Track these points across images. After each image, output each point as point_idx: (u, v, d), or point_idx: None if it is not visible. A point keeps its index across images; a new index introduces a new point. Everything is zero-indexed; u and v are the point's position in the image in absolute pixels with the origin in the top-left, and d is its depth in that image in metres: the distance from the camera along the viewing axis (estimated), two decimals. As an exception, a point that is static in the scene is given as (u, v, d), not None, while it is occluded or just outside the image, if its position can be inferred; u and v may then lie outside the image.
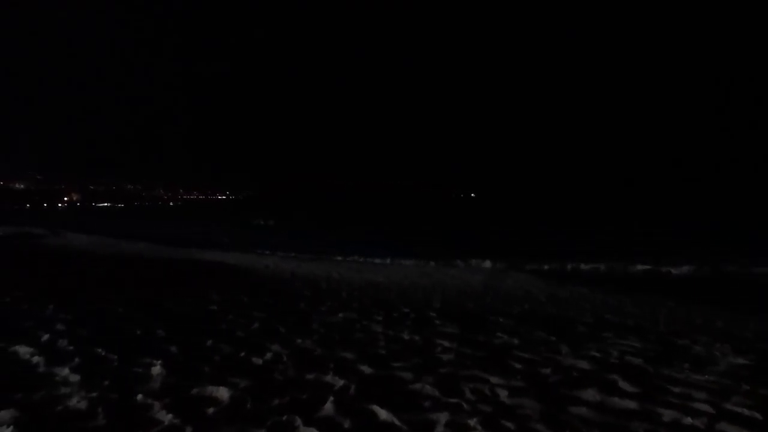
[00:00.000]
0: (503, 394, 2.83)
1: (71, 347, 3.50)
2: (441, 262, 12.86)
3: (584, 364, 3.49)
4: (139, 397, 2.61)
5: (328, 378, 3.03)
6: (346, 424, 2.36)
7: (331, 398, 2.65)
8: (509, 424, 2.39)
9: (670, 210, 54.00)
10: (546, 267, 12.12)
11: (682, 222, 34.39)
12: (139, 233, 23.10)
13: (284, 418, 2.41)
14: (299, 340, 3.95)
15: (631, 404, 2.72)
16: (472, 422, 2.40)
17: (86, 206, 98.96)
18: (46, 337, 3.76)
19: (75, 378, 2.86)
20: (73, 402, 2.52)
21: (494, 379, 3.08)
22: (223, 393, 2.71)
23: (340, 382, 2.95)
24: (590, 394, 2.85)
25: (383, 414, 2.48)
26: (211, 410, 2.49)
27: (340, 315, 5.16)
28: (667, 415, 2.57)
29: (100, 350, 3.44)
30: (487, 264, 12.57)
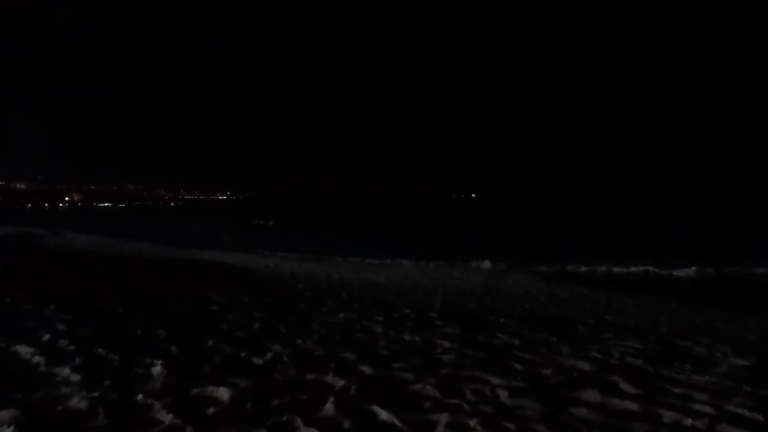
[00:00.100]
0: (504, 394, 2.82)
1: (72, 347, 3.50)
2: (441, 263, 12.85)
3: (585, 365, 3.49)
4: (140, 397, 2.61)
5: (329, 378, 3.03)
6: (347, 425, 2.35)
7: (332, 398, 2.65)
8: (510, 425, 2.39)
9: (670, 210, 53.95)
10: (546, 267, 12.11)
11: (682, 222, 34.37)
12: (140, 233, 23.12)
13: (284, 418, 2.41)
14: (300, 341, 3.95)
15: (632, 405, 2.71)
16: (473, 423, 2.39)
17: (87, 206, 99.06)
18: (46, 337, 3.76)
19: (75, 378, 2.86)
20: (74, 402, 2.52)
21: (495, 380, 3.08)
22: (223, 393, 2.71)
23: (341, 383, 2.94)
24: (591, 395, 2.85)
25: (384, 414, 2.48)
26: (211, 410, 2.49)
27: (341, 315, 5.16)
28: (668, 416, 2.57)
29: (100, 350, 3.44)
30: (488, 264, 12.56)
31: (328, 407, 2.55)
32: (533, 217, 45.85)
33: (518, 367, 3.40)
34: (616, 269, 11.79)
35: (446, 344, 4.00)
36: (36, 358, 3.21)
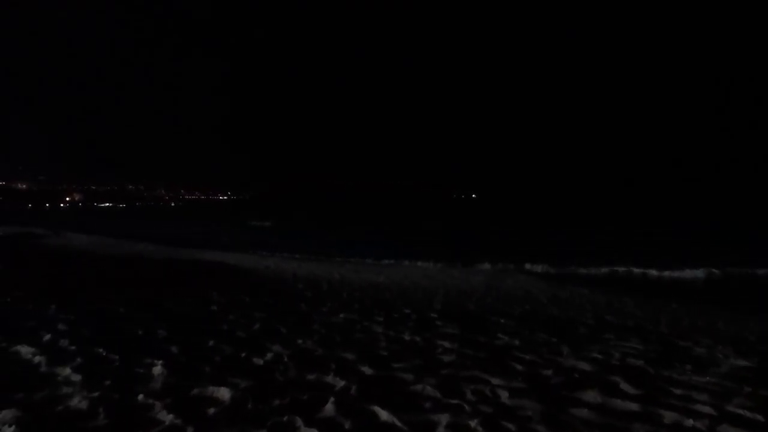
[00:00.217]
0: (504, 395, 2.82)
1: (72, 347, 3.51)
2: (442, 263, 12.86)
3: (585, 366, 3.48)
4: (140, 397, 2.61)
5: (329, 378, 3.03)
6: (347, 425, 2.36)
7: (332, 399, 2.65)
8: (510, 426, 2.39)
9: (670, 210, 53.93)
10: (547, 268, 12.11)
11: (682, 222, 34.36)
12: (140, 233, 23.15)
13: (285, 418, 2.41)
14: (300, 341, 3.95)
15: (633, 406, 2.71)
16: (473, 423, 2.39)
17: (88, 206, 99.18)
18: (47, 337, 3.76)
19: (76, 378, 2.87)
20: (75, 402, 2.52)
21: (495, 380, 3.08)
22: (224, 393, 2.71)
23: (341, 383, 2.94)
24: (591, 396, 2.84)
25: (384, 415, 2.48)
26: (212, 410, 2.49)
27: (341, 316, 5.16)
28: (669, 416, 2.57)
29: (101, 350, 3.44)
30: (488, 265, 12.56)
31: (329, 407, 2.55)
32: (533, 218, 45.85)
33: (519, 367, 3.40)
34: (617, 269, 11.79)
35: (447, 344, 4.00)
36: (37, 358, 3.21)
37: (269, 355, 3.49)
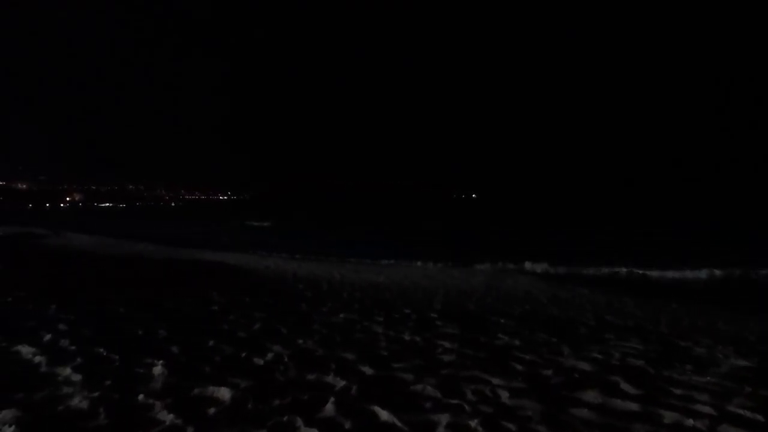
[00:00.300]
0: (504, 395, 2.82)
1: (73, 347, 3.50)
2: (442, 263, 12.87)
3: (586, 366, 3.48)
4: (141, 397, 2.61)
5: (329, 379, 3.03)
6: (347, 425, 2.35)
7: (332, 399, 2.65)
8: (510, 426, 2.39)
9: (670, 210, 53.93)
10: (547, 268, 12.12)
11: (682, 222, 34.37)
12: (141, 233, 23.17)
13: (285, 418, 2.41)
14: (300, 341, 3.95)
15: (633, 406, 2.71)
16: (473, 423, 2.39)
17: (88, 206, 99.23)
18: (47, 336, 3.76)
19: (77, 378, 2.86)
20: (75, 402, 2.52)
21: (495, 380, 3.08)
22: (224, 393, 2.71)
23: (341, 383, 2.94)
24: (592, 396, 2.84)
25: (384, 415, 2.48)
26: (212, 410, 2.49)
27: (341, 316, 5.16)
28: (669, 416, 2.57)
29: (101, 350, 3.44)
30: (488, 265, 12.57)
31: (329, 407, 2.55)
32: (533, 218, 45.86)
33: (519, 367, 3.40)
34: (617, 269, 11.79)
35: (447, 345, 4.00)
36: (37, 358, 3.21)
37: (269, 355, 3.49)
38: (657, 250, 17.37)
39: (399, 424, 2.38)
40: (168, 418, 2.37)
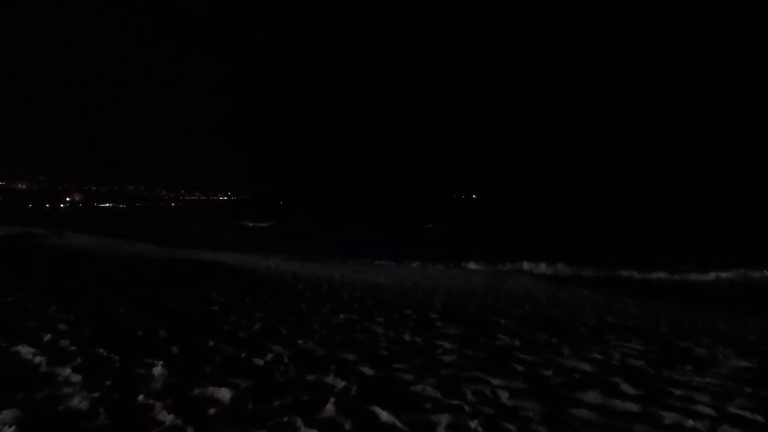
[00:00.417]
0: (504, 395, 2.82)
1: (73, 347, 3.50)
2: (442, 263, 12.86)
3: (586, 366, 3.48)
4: (141, 397, 2.61)
5: (330, 379, 3.03)
6: (348, 426, 2.35)
7: (333, 399, 2.65)
8: (510, 426, 2.39)
9: (671, 210, 53.95)
10: (547, 268, 12.12)
11: (682, 223, 34.37)
12: (141, 233, 23.16)
13: (285, 419, 2.41)
14: (300, 341, 3.95)
15: (633, 406, 2.71)
16: (474, 424, 2.39)
17: (88, 206, 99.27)
18: (47, 337, 3.76)
19: (77, 378, 2.86)
20: (75, 402, 2.52)
21: (496, 381, 3.08)
22: (224, 393, 2.71)
23: (342, 383, 2.94)
24: (592, 396, 2.84)
25: (384, 415, 2.48)
26: (212, 411, 2.49)
27: (342, 316, 5.16)
28: (669, 417, 2.57)
29: (101, 350, 3.44)
30: (488, 265, 12.57)
31: (329, 408, 2.55)
32: (533, 218, 45.87)
33: (519, 368, 3.40)
34: (617, 270, 11.79)
35: (447, 345, 3.99)
36: (37, 358, 3.21)
37: (270, 356, 3.49)
38: (657, 250, 17.37)
39: (399, 424, 2.38)
40: (168, 418, 2.37)
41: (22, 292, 5.73)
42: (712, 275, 11.03)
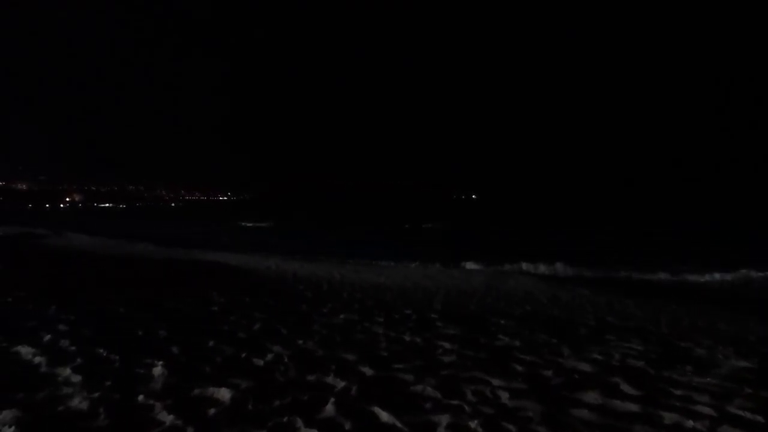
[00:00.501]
0: (505, 396, 2.82)
1: (73, 347, 3.50)
2: (442, 263, 12.86)
3: (586, 367, 3.48)
4: (141, 397, 2.61)
5: (330, 379, 3.03)
6: (348, 426, 2.35)
7: (333, 399, 2.65)
8: (510, 426, 2.39)
9: (671, 210, 53.95)
10: (547, 268, 12.11)
11: (682, 223, 34.37)
12: (141, 233, 23.16)
13: (285, 419, 2.41)
14: (300, 341, 3.95)
15: (633, 407, 2.71)
16: (474, 424, 2.39)
17: (88, 207, 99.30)
18: (47, 337, 3.76)
19: (77, 378, 2.86)
20: (75, 402, 2.52)
21: (496, 381, 3.08)
22: (224, 394, 2.71)
23: (342, 384, 2.94)
24: (592, 397, 2.84)
25: (384, 415, 2.48)
26: (212, 411, 2.49)
27: (342, 316, 5.16)
28: (669, 418, 2.57)
29: (101, 350, 3.44)
30: (488, 265, 12.56)
31: (329, 408, 2.55)
32: (533, 218, 45.87)
33: (519, 368, 3.40)
34: (617, 270, 11.78)
35: (447, 345, 3.99)
36: (37, 359, 3.21)
37: (270, 356, 3.49)
38: (657, 250, 17.37)
39: (399, 424, 2.38)
40: (168, 418, 2.37)
41: (22, 292, 5.73)
42: (712, 275, 11.02)
